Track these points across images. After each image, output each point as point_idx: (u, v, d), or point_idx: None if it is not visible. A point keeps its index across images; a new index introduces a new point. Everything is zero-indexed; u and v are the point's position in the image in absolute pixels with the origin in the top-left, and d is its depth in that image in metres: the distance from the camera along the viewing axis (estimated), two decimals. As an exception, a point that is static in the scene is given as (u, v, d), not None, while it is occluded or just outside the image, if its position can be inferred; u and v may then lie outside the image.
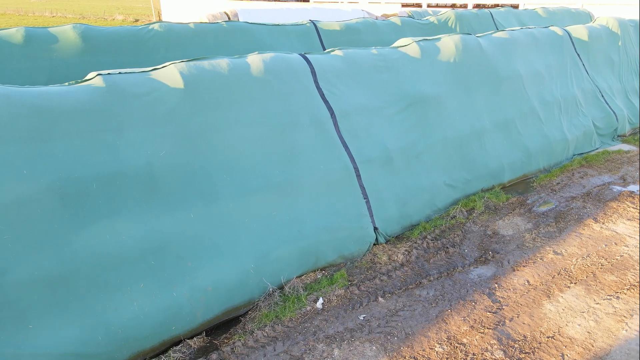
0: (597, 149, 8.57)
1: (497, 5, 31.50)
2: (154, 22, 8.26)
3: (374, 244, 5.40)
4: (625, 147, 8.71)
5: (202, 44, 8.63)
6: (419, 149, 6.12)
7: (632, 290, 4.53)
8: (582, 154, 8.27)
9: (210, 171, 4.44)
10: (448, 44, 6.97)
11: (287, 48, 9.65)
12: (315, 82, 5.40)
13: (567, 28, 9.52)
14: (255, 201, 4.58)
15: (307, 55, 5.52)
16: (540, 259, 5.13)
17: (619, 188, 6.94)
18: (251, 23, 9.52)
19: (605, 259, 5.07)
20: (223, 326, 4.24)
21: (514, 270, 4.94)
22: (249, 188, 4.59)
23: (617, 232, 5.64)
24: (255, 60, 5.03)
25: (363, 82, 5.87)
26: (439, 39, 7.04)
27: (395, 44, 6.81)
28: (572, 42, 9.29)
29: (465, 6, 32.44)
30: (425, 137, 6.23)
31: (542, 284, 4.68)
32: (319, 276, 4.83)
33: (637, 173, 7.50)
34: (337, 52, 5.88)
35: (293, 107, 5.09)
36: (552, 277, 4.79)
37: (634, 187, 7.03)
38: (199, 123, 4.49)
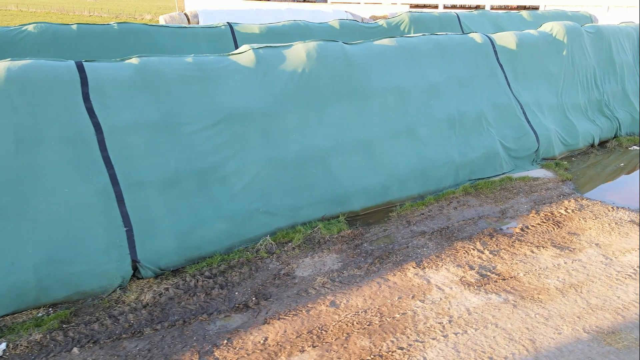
0: (503, 173, 7.48)
1: (522, 7, 29.67)
2: (29, 24, 7.99)
3: (140, 278, 4.79)
4: (538, 173, 7.55)
5: (85, 47, 8.28)
6: (227, 171, 5.43)
7: (371, 363, 3.68)
8: (479, 179, 7.22)
9: None
10: (298, 52, 6.21)
11: (191, 52, 9.14)
12: (85, 94, 4.85)
13: (493, 35, 8.43)
14: (-39, 227, 4.10)
15: (84, 64, 4.98)
16: (308, 311, 4.34)
17: (485, 224, 5.93)
18: (150, 25, 9.09)
19: (381, 317, 4.21)
20: None
21: (265, 323, 4.18)
22: (-44, 212, 4.11)
23: (428, 282, 4.72)
24: (-3, 69, 4.55)
25: (160, 95, 5.26)
26: (289, 46, 6.29)
27: (235, 51, 6.14)
28: (495, 51, 8.21)
29: (482, 7, 30.83)
30: (238, 157, 5.53)
31: (278, 345, 3.91)
32: (40, 314, 4.29)
33: (527, 206, 6.42)
34: (132, 61, 5.30)
35: (40, 122, 4.57)
36: (297, 336, 4.00)
37: (512, 223, 6.00)
38: None
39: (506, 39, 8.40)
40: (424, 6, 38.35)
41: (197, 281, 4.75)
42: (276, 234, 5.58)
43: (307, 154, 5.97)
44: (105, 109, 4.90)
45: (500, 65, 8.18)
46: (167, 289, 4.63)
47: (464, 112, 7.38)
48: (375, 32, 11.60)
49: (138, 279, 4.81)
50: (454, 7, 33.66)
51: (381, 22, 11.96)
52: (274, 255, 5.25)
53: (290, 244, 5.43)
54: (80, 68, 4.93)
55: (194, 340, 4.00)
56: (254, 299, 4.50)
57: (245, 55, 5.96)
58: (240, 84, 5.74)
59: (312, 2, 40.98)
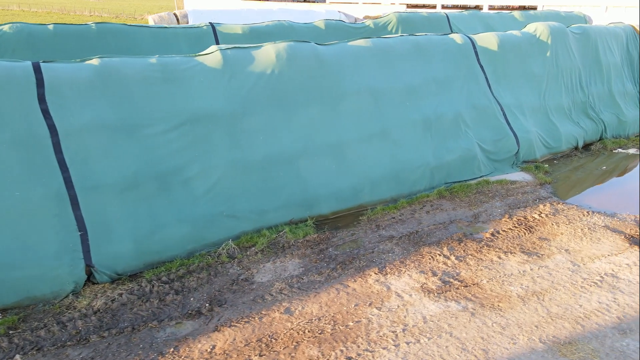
0: (481, 176, 7.36)
1: (522, 8, 29.46)
2: (5, 24, 7.93)
3: (96, 283, 4.71)
4: (517, 176, 7.43)
5: (61, 47, 8.21)
6: (189, 174, 5.34)
7: (316, 374, 3.58)
8: (456, 182, 7.11)
9: None
10: (268, 53, 6.11)
11: (171, 53, 9.06)
12: (41, 95, 4.76)
13: (474, 36, 8.31)
14: None
15: (41, 64, 4.89)
16: (261, 318, 4.24)
17: (456, 229, 5.82)
18: (129, 25, 9.01)
19: (334, 325, 4.11)
20: None
21: (216, 331, 4.09)
22: None
23: (388, 288, 4.62)
24: (-51, 70, 4.48)
25: (120, 96, 5.17)
26: (258, 47, 6.20)
27: (203, 52, 6.05)
28: (476, 52, 8.09)
29: (480, 8, 30.68)
30: (202, 160, 5.44)
31: (225, 353, 3.81)
32: (-13, 320, 4.22)
33: (501, 210, 6.30)
34: (93, 61, 5.21)
35: (-8, 124, 4.49)
36: (246, 345, 3.91)
37: (484, 227, 5.88)
38: None
39: (488, 39, 8.28)
40: (423, 6, 38.23)
41: (153, 287, 4.66)
42: (240, 238, 5.49)
43: (274, 157, 5.87)
44: (61, 110, 4.82)
45: (481, 67, 8.06)
46: (120, 295, 4.54)
47: (441, 113, 7.27)
48: (361, 33, 11.49)
49: (94, 284, 4.73)
50: (455, 7, 33.49)
51: (368, 22, 11.85)
52: (236, 260, 5.15)
53: (253, 248, 5.34)
54: (37, 69, 4.85)
55: (140, 348, 3.91)
56: (207, 305, 4.41)
57: (212, 56, 5.87)
58: (206, 85, 5.65)
59: (311, 2, 40.90)
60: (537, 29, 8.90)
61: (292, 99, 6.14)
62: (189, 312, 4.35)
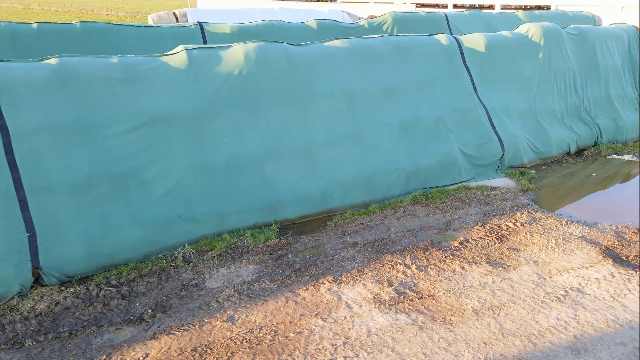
0: (463, 181, 7.12)
1: (537, 7, 28.79)
2: (-12, 23, 7.98)
3: (45, 285, 4.66)
4: (499, 182, 7.17)
5: (45, 46, 8.23)
6: (148, 176, 5.25)
7: (243, 388, 3.45)
8: (434, 187, 6.88)
9: None
10: (236, 53, 6.00)
11: (156, 52, 9.02)
12: (-7, 95, 4.73)
13: (461, 37, 8.07)
14: None
15: (-3, 64, 4.86)
16: (201, 326, 4.12)
17: (425, 236, 5.62)
18: (115, 24, 9.00)
19: (274, 336, 3.97)
20: None
21: (153, 338, 3.98)
22: None
23: (339, 298, 4.46)
24: None
25: (78, 96, 5.10)
26: (227, 47, 6.09)
27: (168, 52, 5.96)
28: (462, 53, 7.85)
29: (492, 7, 30.10)
30: (161, 162, 5.35)
31: (156, 363, 3.71)
32: None
33: (475, 217, 6.08)
34: (51, 61, 5.16)
35: (-59, 124, 4.47)
36: (179, 354, 3.79)
37: (454, 235, 5.67)
38: None
39: (475, 40, 8.02)
40: (436, 5, 37.75)
41: (100, 290, 4.58)
42: (199, 242, 5.39)
43: (238, 159, 5.75)
44: (14, 110, 4.77)
45: (467, 68, 7.82)
46: (65, 298, 4.47)
47: (420, 116, 7.06)
48: (355, 33, 11.31)
49: (42, 286, 4.68)
50: (472, 6, 32.85)
51: (362, 22, 11.66)
52: (191, 264, 5.05)
53: (211, 252, 5.23)
54: (-8, 68, 4.81)
55: (73, 354, 3.83)
56: (150, 311, 4.31)
57: (177, 56, 5.77)
58: (169, 85, 5.55)
59: (322, 1, 40.71)
60: (529, 29, 8.61)
61: (260, 100, 6.01)
62: (131, 317, 4.25)
